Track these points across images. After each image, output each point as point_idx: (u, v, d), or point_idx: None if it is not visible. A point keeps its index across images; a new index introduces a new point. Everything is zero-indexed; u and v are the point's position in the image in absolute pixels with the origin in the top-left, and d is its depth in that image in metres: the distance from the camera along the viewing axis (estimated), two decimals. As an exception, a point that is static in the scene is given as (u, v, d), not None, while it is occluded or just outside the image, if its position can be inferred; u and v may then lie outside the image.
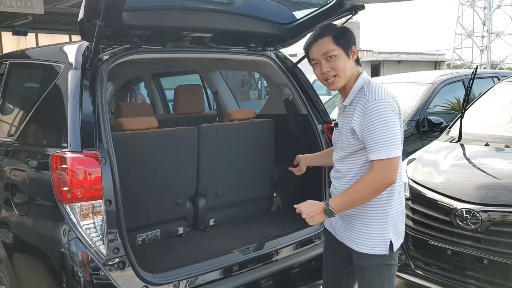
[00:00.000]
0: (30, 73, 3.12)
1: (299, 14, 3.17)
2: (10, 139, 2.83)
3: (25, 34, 11.91)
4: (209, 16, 2.84)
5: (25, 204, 2.52)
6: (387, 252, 2.15)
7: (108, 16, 2.19)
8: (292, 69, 3.32)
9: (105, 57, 2.52)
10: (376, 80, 2.25)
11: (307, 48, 2.21)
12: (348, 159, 2.18)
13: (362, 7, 2.89)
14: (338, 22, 3.18)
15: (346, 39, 2.14)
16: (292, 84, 3.30)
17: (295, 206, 2.15)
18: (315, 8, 3.01)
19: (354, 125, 2.07)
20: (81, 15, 2.26)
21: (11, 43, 12.78)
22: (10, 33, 11.84)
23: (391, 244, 2.16)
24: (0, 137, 3.00)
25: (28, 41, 12.77)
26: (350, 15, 2.95)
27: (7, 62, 3.19)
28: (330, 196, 2.25)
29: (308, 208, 2.12)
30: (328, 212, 2.09)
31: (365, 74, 2.20)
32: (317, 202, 2.15)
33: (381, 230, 2.15)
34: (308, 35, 2.28)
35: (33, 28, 11.94)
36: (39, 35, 13.32)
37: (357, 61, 2.20)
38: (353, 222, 2.20)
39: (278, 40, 3.20)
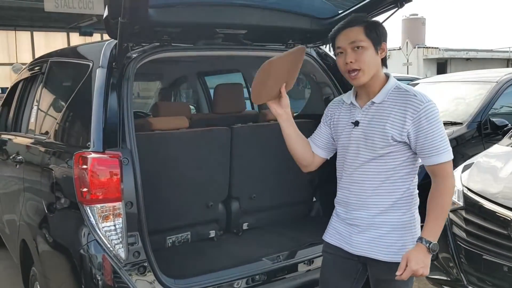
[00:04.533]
0: (64, 72, 3.15)
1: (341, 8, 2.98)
2: (45, 137, 2.87)
3: (90, 34, 12.48)
4: (242, 12, 2.71)
5: (52, 203, 2.53)
6: None
7: (132, 12, 2.12)
8: (333, 67, 3.12)
9: (134, 55, 2.48)
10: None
11: (334, 34, 2.02)
12: (379, 160, 1.97)
13: (409, 0, 2.66)
14: (383, 16, 2.98)
15: (377, 33, 1.96)
16: (333, 83, 3.12)
17: (398, 274, 1.84)
18: (358, 1, 2.81)
19: (408, 127, 1.89)
20: (106, 12, 2.22)
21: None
22: (77, 33, 12.44)
23: None
24: (37, 135, 3.07)
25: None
26: (396, 8, 2.73)
27: (48, 61, 3.24)
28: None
29: (416, 263, 1.83)
30: (434, 247, 1.85)
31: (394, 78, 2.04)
32: (414, 250, 1.87)
33: (412, 235, 1.98)
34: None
35: (98, 28, 12.48)
36: (104, 35, 13.86)
37: (384, 62, 2.01)
38: (380, 230, 1.99)
39: (318, 36, 3.01)
